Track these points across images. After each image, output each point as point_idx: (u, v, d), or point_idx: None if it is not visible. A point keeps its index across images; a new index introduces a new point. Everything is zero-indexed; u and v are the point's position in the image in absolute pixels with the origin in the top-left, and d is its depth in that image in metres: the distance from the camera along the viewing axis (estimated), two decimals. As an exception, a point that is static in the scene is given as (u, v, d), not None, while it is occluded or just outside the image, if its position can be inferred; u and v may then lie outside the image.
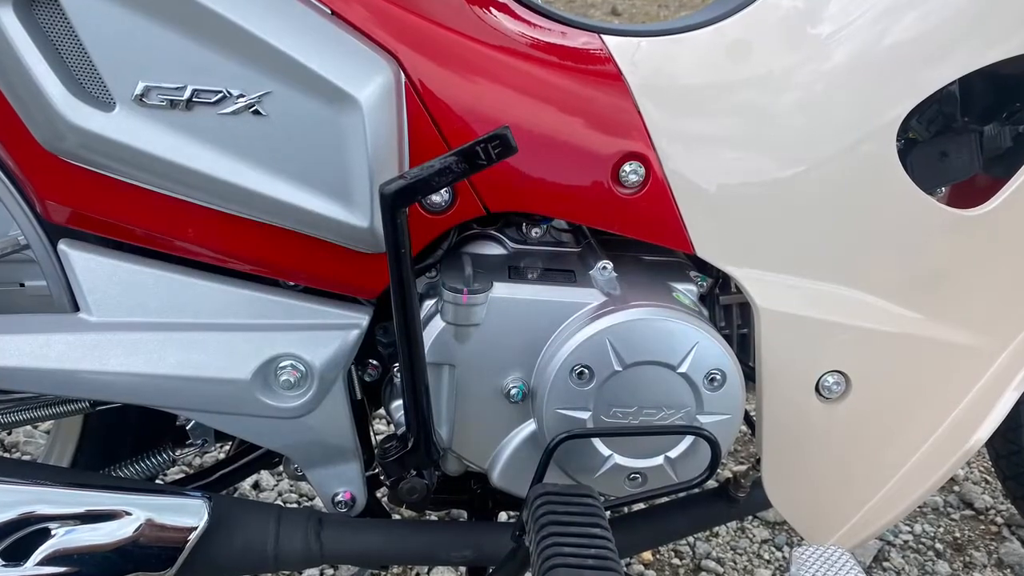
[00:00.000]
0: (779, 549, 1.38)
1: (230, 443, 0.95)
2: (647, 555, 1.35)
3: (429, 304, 0.77)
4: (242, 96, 0.66)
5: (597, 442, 0.77)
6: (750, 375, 0.82)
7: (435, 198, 0.73)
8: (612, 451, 0.78)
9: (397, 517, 1.14)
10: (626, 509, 0.95)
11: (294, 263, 0.75)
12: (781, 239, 0.77)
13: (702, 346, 0.74)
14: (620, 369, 0.74)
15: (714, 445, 0.75)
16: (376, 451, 0.81)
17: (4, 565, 0.71)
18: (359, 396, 0.84)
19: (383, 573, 0.99)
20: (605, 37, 0.75)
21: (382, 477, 0.84)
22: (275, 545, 0.79)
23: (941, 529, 1.46)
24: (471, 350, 0.76)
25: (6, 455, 1.45)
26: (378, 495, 0.91)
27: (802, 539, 0.87)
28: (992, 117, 0.85)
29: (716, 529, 1.40)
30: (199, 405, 0.76)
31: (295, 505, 1.40)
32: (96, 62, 0.65)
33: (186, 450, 0.91)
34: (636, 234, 0.77)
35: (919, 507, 1.49)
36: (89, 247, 0.75)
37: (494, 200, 0.74)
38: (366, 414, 0.88)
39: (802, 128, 0.75)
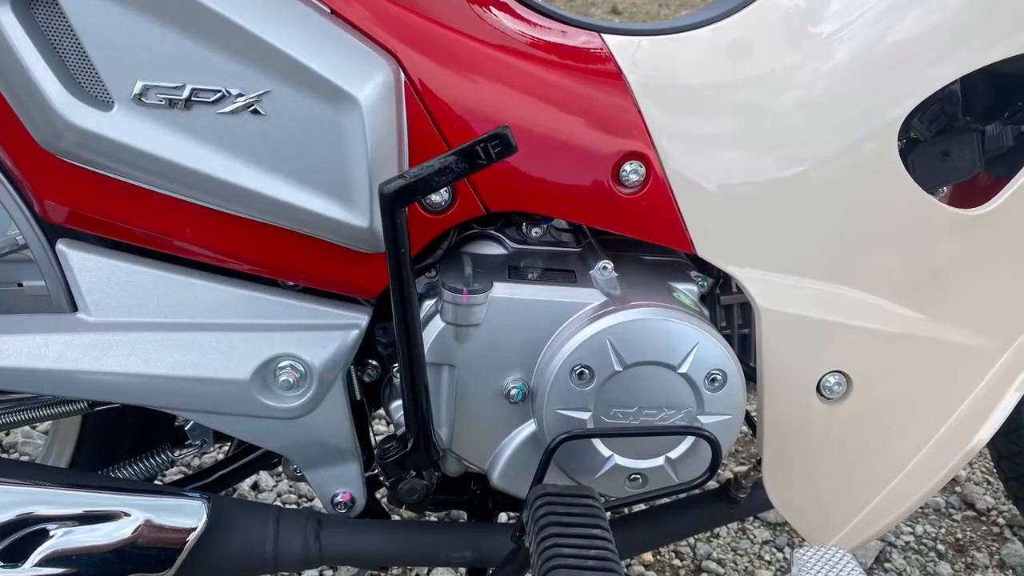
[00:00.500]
0: (780, 550, 1.38)
1: (229, 444, 0.95)
2: (647, 556, 1.35)
3: (429, 304, 0.77)
4: (241, 95, 0.66)
5: (597, 443, 0.77)
6: (751, 375, 0.81)
7: (435, 198, 0.73)
8: (612, 452, 0.77)
9: (396, 518, 1.14)
10: (627, 510, 0.94)
11: (293, 263, 0.75)
12: (782, 239, 0.77)
13: (703, 346, 0.74)
14: (620, 369, 0.74)
15: (715, 446, 0.74)
16: (375, 452, 0.81)
17: (2, 566, 0.71)
18: (358, 396, 0.84)
19: (382, 574, 0.99)
20: (605, 36, 0.75)
21: (381, 478, 0.84)
22: (274, 546, 0.78)
23: (943, 530, 1.45)
24: (471, 350, 0.76)
25: (4, 456, 1.45)
26: (377, 496, 0.91)
27: (803, 540, 0.87)
28: (994, 116, 0.85)
29: (717, 530, 1.40)
30: (198, 405, 0.76)
31: (294, 506, 1.39)
32: (94, 61, 0.65)
33: (185, 451, 0.90)
34: (636, 234, 0.76)
35: (921, 508, 1.48)
36: (88, 247, 0.75)
37: (494, 200, 0.74)
38: (365, 415, 0.88)
39: (803, 127, 0.75)
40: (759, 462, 0.85)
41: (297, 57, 0.65)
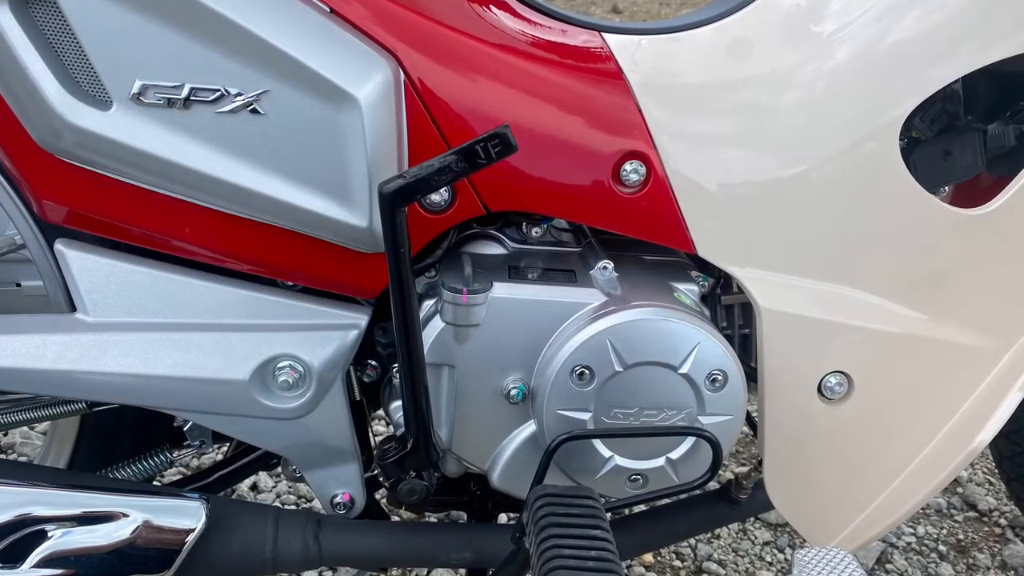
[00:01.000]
0: (781, 551, 1.37)
1: (228, 444, 0.94)
2: (648, 557, 1.34)
3: (428, 304, 0.77)
4: (240, 95, 0.65)
5: (598, 443, 0.77)
6: (752, 376, 0.81)
7: (434, 197, 0.73)
8: (613, 452, 0.77)
9: (396, 519, 1.14)
10: (627, 511, 0.94)
11: (292, 263, 0.75)
12: (783, 239, 0.77)
13: (703, 347, 0.74)
14: (621, 370, 0.74)
15: (716, 446, 0.74)
16: (375, 452, 0.81)
17: (1, 567, 0.71)
18: (358, 397, 0.84)
19: (382, 575, 0.99)
20: (606, 35, 0.75)
21: (381, 478, 0.84)
22: (273, 547, 0.78)
23: (944, 531, 1.45)
24: (471, 351, 0.75)
25: (2, 456, 1.45)
26: (377, 496, 0.91)
27: (804, 541, 0.87)
28: (996, 116, 0.85)
29: (718, 531, 1.39)
30: (196, 406, 0.76)
31: (293, 507, 1.39)
32: (93, 60, 0.65)
33: (184, 451, 0.90)
34: (637, 233, 0.76)
35: (922, 509, 1.48)
36: (86, 247, 0.75)
37: (494, 199, 0.74)
38: (365, 415, 0.88)
39: (804, 127, 0.75)
40: (760, 463, 0.84)
41: (296, 56, 0.65)
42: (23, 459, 1.42)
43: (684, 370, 0.74)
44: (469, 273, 0.74)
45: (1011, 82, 0.83)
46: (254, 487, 1.42)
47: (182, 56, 0.65)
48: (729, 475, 1.03)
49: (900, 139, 0.76)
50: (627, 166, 0.73)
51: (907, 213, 0.77)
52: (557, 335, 0.75)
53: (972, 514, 1.49)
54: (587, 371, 0.74)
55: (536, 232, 0.81)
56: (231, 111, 0.66)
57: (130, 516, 0.73)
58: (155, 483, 0.97)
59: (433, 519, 1.27)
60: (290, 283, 0.79)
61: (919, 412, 0.84)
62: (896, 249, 0.78)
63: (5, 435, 1.49)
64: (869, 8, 0.74)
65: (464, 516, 0.96)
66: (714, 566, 1.33)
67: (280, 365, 0.75)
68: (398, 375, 0.74)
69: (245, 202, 0.70)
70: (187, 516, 0.74)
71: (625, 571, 1.28)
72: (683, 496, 0.82)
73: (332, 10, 0.69)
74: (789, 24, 0.74)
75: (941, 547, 1.41)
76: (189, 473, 1.27)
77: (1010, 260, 0.81)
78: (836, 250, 0.78)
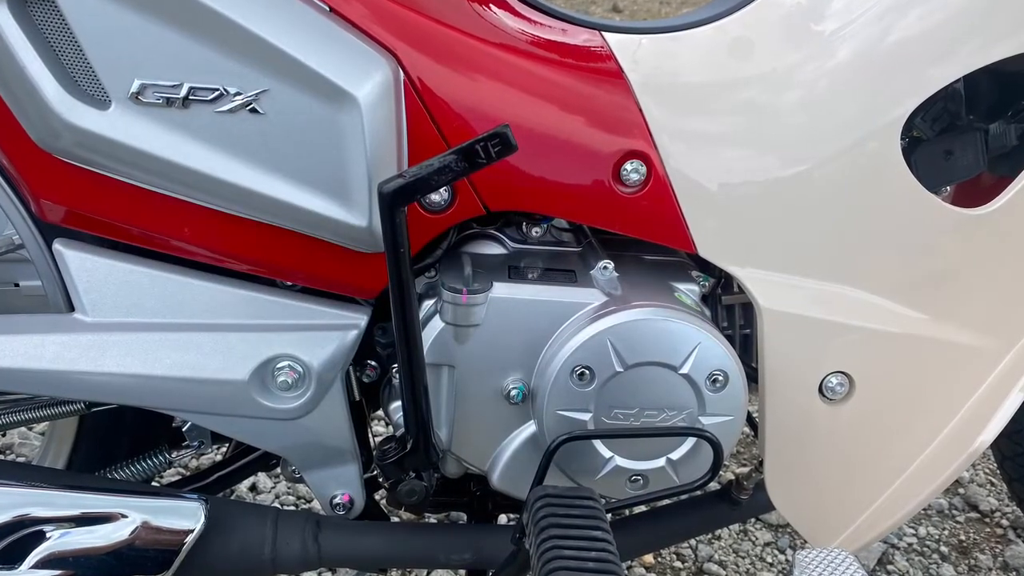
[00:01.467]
0: (782, 552, 1.37)
1: (227, 445, 0.94)
2: (648, 558, 1.34)
3: (428, 304, 0.76)
4: (239, 94, 0.65)
5: (598, 444, 0.77)
6: (752, 376, 0.81)
7: (434, 197, 0.72)
8: (613, 453, 0.77)
9: (396, 519, 1.14)
10: (627, 511, 0.94)
11: (292, 263, 0.75)
12: (784, 238, 0.77)
13: (704, 347, 0.73)
14: (621, 370, 0.73)
15: (716, 447, 0.74)
16: (375, 453, 0.80)
17: (-1, 568, 0.71)
18: (357, 397, 0.84)
19: (382, 576, 0.98)
20: (606, 34, 0.75)
21: (380, 479, 0.84)
22: (272, 548, 0.78)
23: (946, 532, 1.45)
24: (471, 351, 0.75)
25: (1, 457, 1.45)
26: (376, 497, 0.91)
27: (805, 542, 0.86)
28: (997, 115, 0.85)
29: (718, 532, 1.39)
30: (195, 406, 0.76)
31: (292, 507, 1.39)
32: (91, 59, 0.65)
33: (182, 452, 0.90)
34: (637, 233, 0.76)
35: (923, 509, 1.48)
36: (85, 247, 0.74)
37: (494, 199, 0.74)
38: (364, 415, 0.88)
39: (805, 126, 0.75)
40: (761, 463, 0.84)
41: (295, 55, 0.64)
42: (21, 460, 1.42)
43: (685, 370, 0.74)
44: (469, 273, 0.74)
45: (1013, 81, 0.83)
46: (253, 488, 1.42)
47: (181, 55, 0.64)
48: (730, 476, 1.03)
49: (901, 139, 0.76)
50: (627, 166, 0.73)
51: (908, 213, 0.77)
52: (557, 335, 0.75)
53: (974, 515, 1.49)
54: (587, 371, 0.73)
55: (536, 232, 0.81)
56: (230, 110, 0.66)
57: (129, 517, 0.73)
58: (154, 484, 0.97)
59: (433, 520, 1.27)
60: (289, 283, 0.79)
61: (920, 412, 0.83)
62: (897, 249, 0.78)
63: (3, 435, 1.49)
64: (870, 7, 0.74)
65: (464, 517, 0.96)
66: (715, 567, 1.32)
67: (279, 365, 0.75)
68: (398, 375, 0.74)
69: (244, 202, 0.69)
70: (186, 517, 0.74)
71: (625, 572, 1.27)
72: (684, 497, 0.82)
73: (331, 9, 0.69)
74: (790, 23, 0.74)
75: (943, 548, 1.41)
76: (188, 474, 1.26)
77: (1012, 260, 0.81)
78: (837, 250, 0.77)
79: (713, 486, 0.85)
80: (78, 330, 0.73)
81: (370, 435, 0.89)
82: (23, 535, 0.71)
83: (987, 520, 1.48)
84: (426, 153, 0.67)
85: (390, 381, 0.81)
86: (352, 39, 0.68)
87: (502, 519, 1.02)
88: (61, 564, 0.71)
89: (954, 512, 1.49)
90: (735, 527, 1.41)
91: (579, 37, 0.75)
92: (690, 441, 0.77)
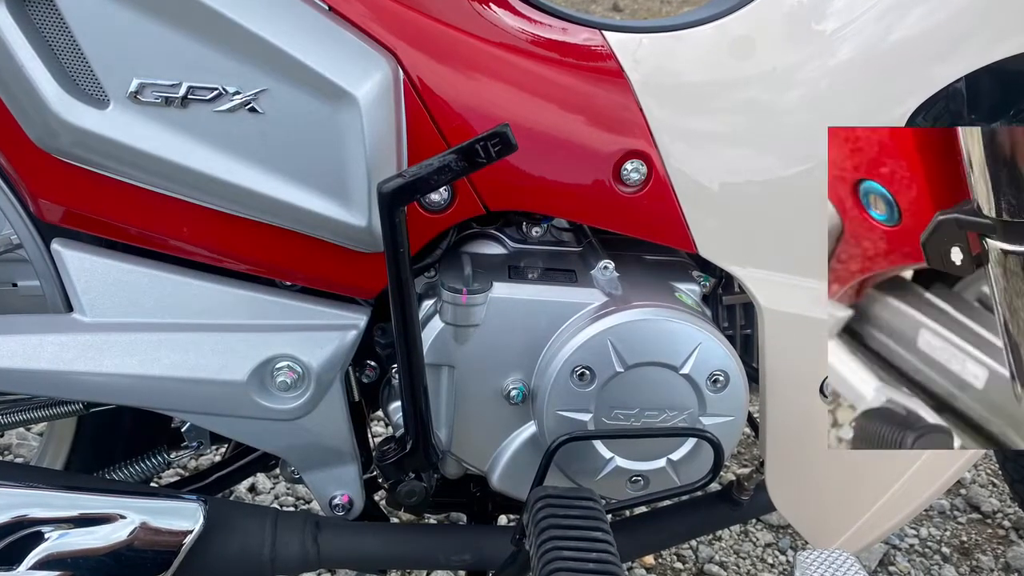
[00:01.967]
0: (783, 553, 1.37)
1: (226, 445, 0.94)
2: (649, 559, 1.34)
3: (428, 304, 0.76)
4: (238, 93, 0.65)
5: (598, 444, 0.76)
6: (753, 376, 0.81)
7: (434, 197, 0.72)
8: (613, 453, 0.77)
9: (395, 520, 1.13)
10: (628, 512, 0.94)
11: (291, 263, 0.75)
12: (785, 238, 0.77)
13: (705, 347, 0.73)
14: (622, 370, 0.73)
15: (717, 447, 0.74)
16: (374, 453, 0.80)
17: (-3, 569, 0.70)
18: (357, 398, 0.84)
19: (381, 577, 0.98)
20: (606, 33, 0.75)
21: (380, 480, 0.84)
22: (271, 549, 0.78)
23: (948, 533, 1.44)
24: (470, 351, 0.75)
25: None
26: (376, 498, 0.91)
27: (806, 543, 0.86)
28: (999, 115, 0.84)
29: (719, 533, 1.39)
30: (194, 407, 0.76)
31: (292, 508, 1.39)
32: (90, 59, 0.64)
33: (181, 452, 0.90)
34: (638, 233, 0.76)
35: (925, 510, 1.48)
36: (83, 246, 0.74)
37: (494, 199, 0.73)
38: (364, 416, 0.88)
39: (806, 126, 0.75)
40: (761, 464, 0.84)
41: (295, 55, 0.64)
42: (19, 460, 1.42)
43: (685, 371, 0.74)
44: (469, 273, 0.74)
45: (1014, 81, 0.83)
46: (252, 488, 1.42)
47: (180, 54, 0.64)
48: (730, 476, 1.03)
49: (903, 138, 0.76)
50: (628, 165, 0.73)
51: (910, 212, 0.77)
52: (557, 335, 0.75)
53: (975, 516, 1.49)
54: (588, 372, 0.73)
55: (536, 232, 0.81)
56: (229, 110, 0.66)
57: (127, 518, 0.72)
58: (152, 485, 0.96)
59: (432, 521, 1.27)
60: (288, 283, 0.78)
61: (922, 413, 0.83)
62: (899, 249, 0.78)
63: (1, 436, 1.49)
64: (871, 6, 0.74)
65: (464, 518, 0.96)
66: (715, 568, 1.32)
67: (278, 366, 0.75)
68: (397, 376, 0.74)
69: (243, 201, 0.69)
70: (185, 518, 0.74)
71: (626, 573, 1.27)
72: (684, 497, 0.82)
73: (331, 8, 0.69)
74: (791, 22, 0.74)
75: (944, 549, 1.41)
76: (187, 474, 1.26)
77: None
78: (838, 250, 0.77)
79: (714, 487, 0.85)
80: (76, 330, 0.73)
81: (370, 436, 0.89)
82: (21, 536, 0.71)
83: (989, 521, 1.48)
84: (426, 153, 0.67)
85: (389, 381, 0.81)
86: (351, 38, 0.68)
87: (502, 520, 1.02)
88: (60, 565, 0.71)
89: (956, 513, 1.49)
90: (736, 528, 1.41)
91: (579, 36, 0.75)
92: (691, 442, 0.77)
